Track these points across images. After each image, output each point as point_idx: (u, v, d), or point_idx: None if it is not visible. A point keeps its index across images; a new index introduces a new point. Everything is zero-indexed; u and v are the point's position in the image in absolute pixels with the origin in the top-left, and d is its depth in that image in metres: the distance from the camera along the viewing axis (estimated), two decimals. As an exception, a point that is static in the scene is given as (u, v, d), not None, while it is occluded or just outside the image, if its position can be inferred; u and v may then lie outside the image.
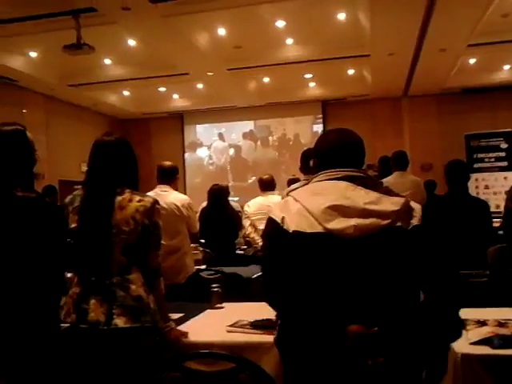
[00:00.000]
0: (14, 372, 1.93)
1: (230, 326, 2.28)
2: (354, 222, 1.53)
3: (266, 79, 10.41)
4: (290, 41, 8.43)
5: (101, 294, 1.99)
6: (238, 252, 5.31)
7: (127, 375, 1.97)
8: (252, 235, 5.11)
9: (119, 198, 2.09)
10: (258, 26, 7.71)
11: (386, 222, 1.53)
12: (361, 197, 1.58)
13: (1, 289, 1.99)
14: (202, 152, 12.90)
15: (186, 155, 12.77)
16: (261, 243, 4.97)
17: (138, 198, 2.13)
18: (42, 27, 6.88)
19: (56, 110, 10.24)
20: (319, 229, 1.54)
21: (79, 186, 5.93)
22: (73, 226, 2.09)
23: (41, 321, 2.04)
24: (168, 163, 3.91)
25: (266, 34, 8.06)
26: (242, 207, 5.68)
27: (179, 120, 12.74)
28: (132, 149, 2.27)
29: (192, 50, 8.12)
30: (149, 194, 2.95)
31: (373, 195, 1.59)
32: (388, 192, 1.65)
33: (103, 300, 1.98)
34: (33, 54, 8.46)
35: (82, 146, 10.72)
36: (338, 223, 1.53)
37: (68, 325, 2.07)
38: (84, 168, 8.24)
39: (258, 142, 12.59)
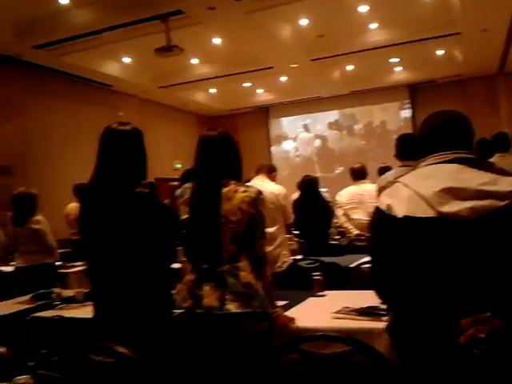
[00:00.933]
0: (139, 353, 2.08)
1: (335, 312, 2.30)
2: (469, 204, 1.48)
3: (350, 67, 10.23)
4: (374, 25, 8.22)
5: (213, 280, 2.09)
6: (332, 242, 5.30)
7: (239, 357, 2.07)
8: (345, 225, 5.08)
9: (225, 190, 2.18)
10: (341, 13, 7.61)
11: (503, 203, 1.47)
12: (474, 178, 1.53)
13: (120, 278, 2.16)
14: (287, 144, 12.97)
15: (272, 148, 12.91)
16: (355, 232, 4.96)
17: (242, 188, 2.21)
18: (133, 33, 7.25)
19: (149, 110, 10.79)
20: (432, 213, 1.51)
21: (175, 183, 6.18)
22: (184, 217, 2.21)
23: (155, 307, 2.19)
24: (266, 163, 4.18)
25: (349, 21, 7.93)
26: (332, 197, 5.67)
27: (264, 114, 12.91)
28: (234, 142, 2.36)
29: (275, 44, 8.18)
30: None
31: (487, 176, 1.53)
32: (502, 172, 1.58)
33: (216, 286, 2.08)
34: (126, 60, 8.97)
35: (173, 144, 11.26)
36: (452, 206, 1.50)
37: (182, 310, 2.20)
38: (176, 165, 8.66)
39: (344, 132, 12.42)
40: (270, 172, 4.27)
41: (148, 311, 2.16)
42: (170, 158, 10.70)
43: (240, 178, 2.31)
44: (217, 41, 8.32)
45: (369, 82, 10.97)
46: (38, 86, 8.40)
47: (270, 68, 9.47)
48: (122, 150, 2.21)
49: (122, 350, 1.57)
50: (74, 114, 9.10)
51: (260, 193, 2.25)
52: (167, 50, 6.68)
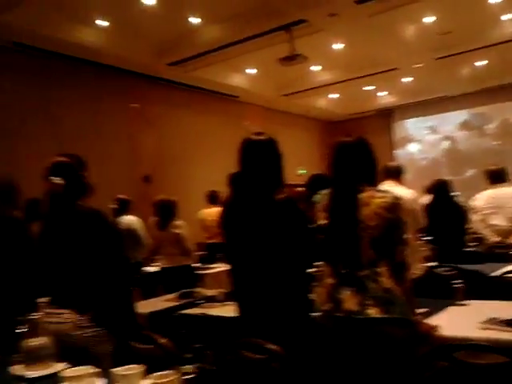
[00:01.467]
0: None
1: (483, 322, 2.20)
2: None
3: (480, 63, 9.59)
4: (506, 16, 7.64)
5: (354, 285, 2.13)
6: (467, 249, 5.01)
7: (380, 362, 2.07)
8: (483, 231, 4.77)
9: (363, 195, 2.20)
10: (469, 7, 7.19)
11: None
12: None
13: (262, 280, 2.28)
14: (412, 147, 12.52)
15: (396, 151, 12.53)
16: (494, 239, 4.64)
17: (379, 194, 2.22)
18: (258, 45, 7.54)
19: (272, 118, 11.10)
20: None
21: (301, 189, 6.25)
22: (322, 222, 2.28)
23: (295, 308, 2.28)
24: (394, 163, 4.05)
25: (478, 14, 7.46)
26: (465, 201, 5.36)
27: (387, 117, 12.60)
28: (370, 147, 2.37)
29: (398, 44, 7.98)
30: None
31: None
32: None
33: (357, 291, 2.11)
34: (251, 71, 9.34)
35: (297, 150, 11.43)
36: None
37: (320, 313, 2.26)
38: (300, 171, 8.69)
39: (474, 131, 11.66)
40: (398, 175, 4.16)
41: (289, 312, 2.25)
42: (293, 164, 10.87)
43: (375, 183, 2.32)
44: (338, 46, 8.32)
45: (502, 77, 10.19)
46: (171, 100, 9.10)
47: (393, 70, 9.24)
48: (261, 159, 2.35)
49: (273, 347, 1.67)
50: (204, 125, 9.68)
51: (397, 198, 2.23)
52: (291, 59, 6.85)
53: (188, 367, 1.51)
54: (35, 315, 1.98)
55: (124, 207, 5.80)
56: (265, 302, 2.28)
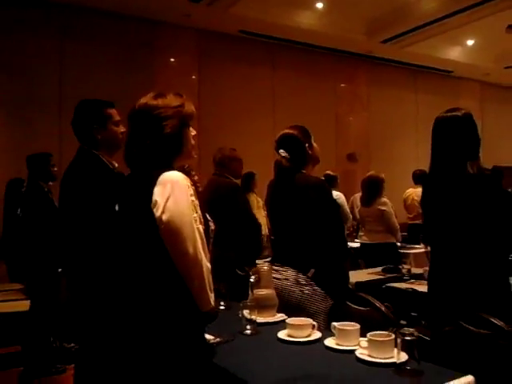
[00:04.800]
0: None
1: None
2: None
3: None
4: None
5: None
6: None
7: None
8: None
9: None
10: None
11: None
12: None
13: (460, 260, 2.17)
14: None
15: None
16: None
17: None
18: (480, 14, 6.91)
19: (490, 94, 10.15)
20: None
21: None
22: None
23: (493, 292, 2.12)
24: None
25: None
26: None
27: None
28: None
29: None
30: None
31: None
32: None
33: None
34: (469, 42, 8.64)
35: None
36: None
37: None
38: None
39: None
40: None
41: (484, 294, 2.11)
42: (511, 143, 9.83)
43: None
44: None
45: None
46: (381, 78, 8.98)
47: None
48: (455, 136, 2.22)
49: (499, 323, 1.61)
50: (413, 103, 9.35)
51: None
52: (521, 25, 6.10)
53: (408, 329, 1.56)
54: (264, 268, 2.24)
55: (331, 182, 6.00)
56: (457, 282, 2.17)
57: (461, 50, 8.85)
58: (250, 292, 2.20)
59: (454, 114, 2.30)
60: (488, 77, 9.85)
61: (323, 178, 5.90)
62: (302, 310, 2.29)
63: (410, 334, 1.52)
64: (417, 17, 7.12)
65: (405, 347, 1.54)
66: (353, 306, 2.12)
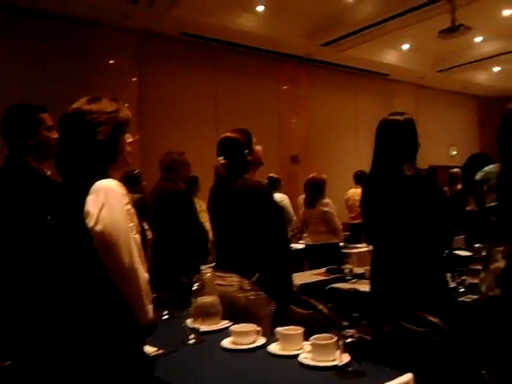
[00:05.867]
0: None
1: None
2: None
3: None
4: None
5: None
6: None
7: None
8: None
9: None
10: None
11: None
12: None
13: (399, 258, 2.23)
14: None
15: None
16: None
17: None
18: (416, 18, 7.15)
19: (425, 96, 10.56)
20: None
21: (456, 170, 5.87)
22: (492, 204, 2.16)
23: (431, 287, 2.21)
24: None
25: None
26: None
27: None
28: None
29: None
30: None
31: None
32: None
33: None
34: (405, 47, 8.96)
35: (450, 130, 10.77)
36: None
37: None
38: (453, 152, 8.14)
39: None
40: None
41: (423, 291, 2.18)
42: (446, 144, 10.28)
43: None
44: (508, 12, 7.56)
45: None
46: (322, 80, 9.13)
47: None
48: (396, 140, 2.29)
49: (434, 320, 1.66)
50: (352, 104, 9.57)
51: None
52: (452, 30, 6.37)
53: (349, 331, 1.58)
54: (207, 275, 2.20)
55: (274, 185, 6.03)
56: (399, 280, 2.24)
57: (396, 54, 9.16)
58: (192, 300, 2.16)
59: (396, 118, 2.37)
60: (422, 80, 10.25)
61: (266, 181, 6.01)
62: (247, 316, 2.26)
63: (351, 336, 1.54)
64: (355, 21, 7.30)
65: (347, 349, 1.56)
66: (297, 309, 2.12)
